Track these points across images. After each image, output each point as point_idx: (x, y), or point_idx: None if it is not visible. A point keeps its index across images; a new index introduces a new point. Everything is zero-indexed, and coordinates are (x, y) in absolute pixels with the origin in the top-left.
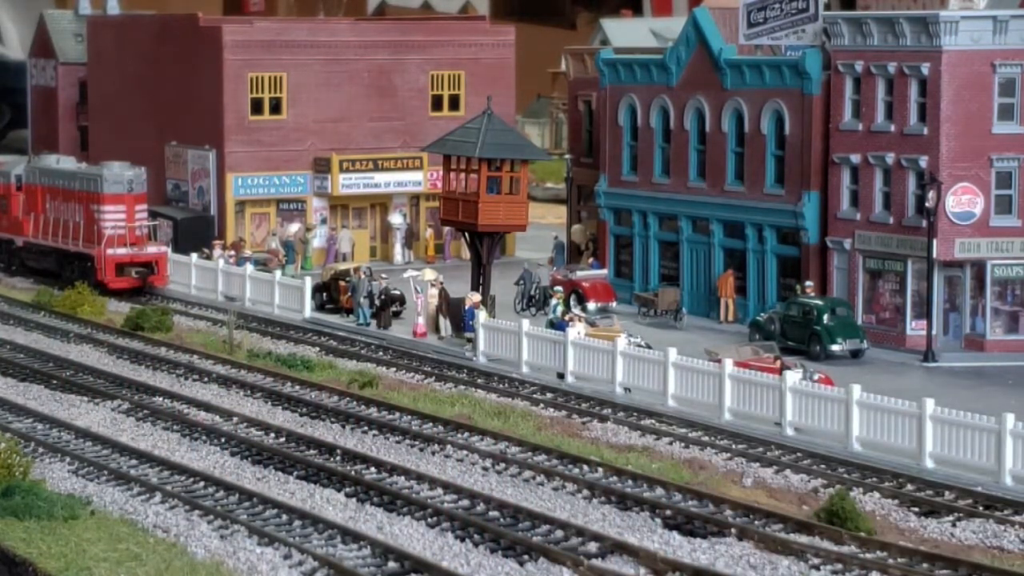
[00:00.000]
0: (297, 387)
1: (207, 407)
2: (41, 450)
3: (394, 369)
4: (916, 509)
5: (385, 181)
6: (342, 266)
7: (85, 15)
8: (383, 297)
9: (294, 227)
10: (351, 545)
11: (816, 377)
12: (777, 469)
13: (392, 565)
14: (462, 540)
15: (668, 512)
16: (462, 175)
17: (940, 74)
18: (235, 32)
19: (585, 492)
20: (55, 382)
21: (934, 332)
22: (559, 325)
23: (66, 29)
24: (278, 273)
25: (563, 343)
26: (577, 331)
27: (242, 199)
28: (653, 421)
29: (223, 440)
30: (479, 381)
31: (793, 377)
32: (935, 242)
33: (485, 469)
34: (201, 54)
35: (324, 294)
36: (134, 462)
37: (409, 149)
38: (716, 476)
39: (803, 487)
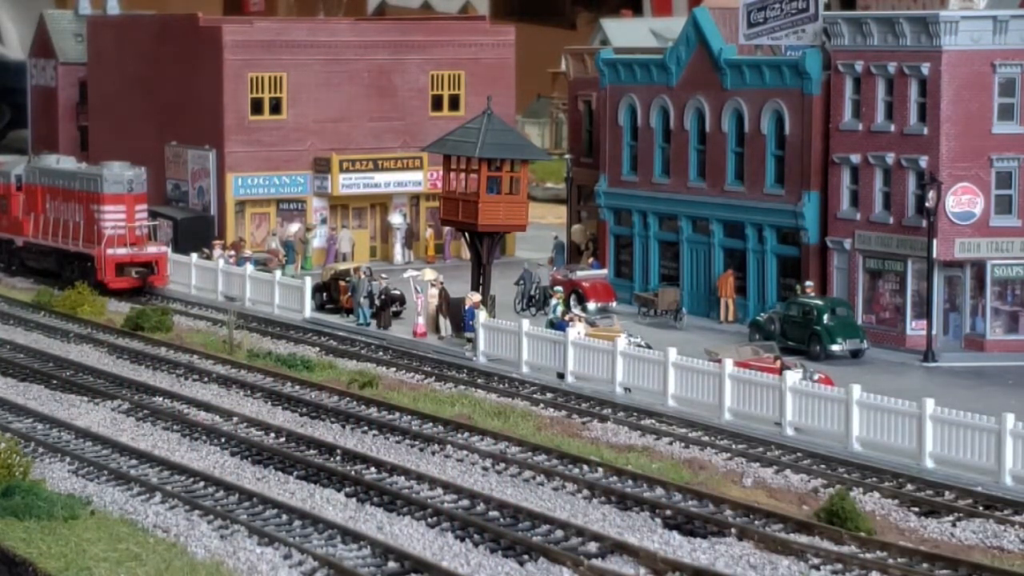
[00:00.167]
0: (297, 387)
1: (207, 407)
2: (41, 450)
3: (394, 369)
4: (916, 509)
5: (385, 181)
6: (342, 266)
7: (85, 15)
8: (383, 297)
9: (294, 227)
10: (351, 545)
11: (816, 377)
12: (777, 469)
13: (392, 565)
14: (462, 540)
15: (668, 512)
16: (462, 175)
17: (940, 74)
18: (235, 32)
19: (585, 492)
20: (55, 382)
21: (934, 332)
22: (559, 325)
23: (66, 29)
24: (278, 273)
25: (563, 343)
26: (577, 331)
27: (242, 199)
28: (653, 421)
29: (223, 440)
30: (479, 381)
31: (793, 377)
32: (935, 242)
33: (485, 469)
34: (201, 54)
35: (324, 294)
36: (134, 462)
37: (409, 149)
38: (716, 476)
39: (803, 487)
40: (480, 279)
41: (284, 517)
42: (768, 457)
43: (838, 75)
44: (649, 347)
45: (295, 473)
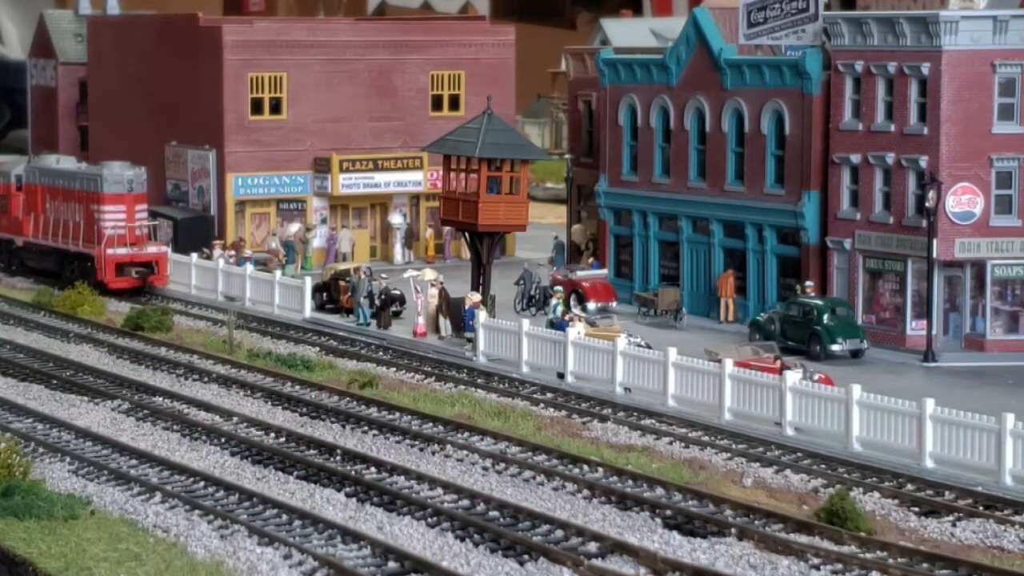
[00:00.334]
0: (297, 387)
1: (207, 407)
2: (41, 450)
3: (394, 369)
4: (916, 509)
5: (385, 181)
6: (342, 266)
7: (85, 15)
8: (383, 297)
9: (294, 227)
10: (351, 545)
11: (816, 377)
12: (777, 469)
13: (392, 565)
14: (462, 540)
15: (668, 512)
16: (462, 175)
17: (940, 74)
18: (235, 32)
19: (585, 492)
20: (55, 382)
21: (934, 332)
22: (559, 325)
23: (66, 29)
24: (278, 273)
25: (563, 343)
26: (577, 331)
27: (242, 199)
28: (653, 421)
29: (223, 440)
30: (479, 381)
31: (793, 377)
32: (935, 242)
33: (485, 469)
34: (201, 54)
35: (324, 294)
36: (134, 462)
37: (409, 149)
38: (716, 476)
39: (803, 487)
40: (480, 279)
41: (284, 517)
42: (768, 457)
43: (838, 75)
44: (649, 347)
45: (295, 473)
